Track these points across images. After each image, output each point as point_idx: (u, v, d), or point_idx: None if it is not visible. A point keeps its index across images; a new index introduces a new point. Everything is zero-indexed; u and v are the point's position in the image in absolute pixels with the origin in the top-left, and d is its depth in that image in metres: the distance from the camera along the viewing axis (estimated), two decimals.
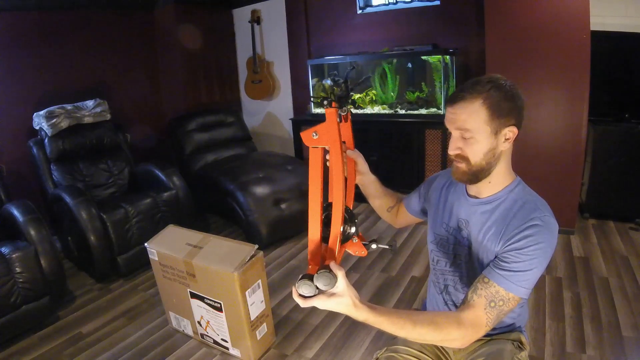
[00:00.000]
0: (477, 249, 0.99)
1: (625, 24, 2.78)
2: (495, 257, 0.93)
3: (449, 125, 0.95)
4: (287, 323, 2.07)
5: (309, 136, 0.81)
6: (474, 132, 0.90)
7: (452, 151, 0.95)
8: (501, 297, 0.87)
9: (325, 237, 0.83)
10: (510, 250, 0.89)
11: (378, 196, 1.25)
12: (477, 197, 1.02)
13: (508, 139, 0.93)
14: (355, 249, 0.92)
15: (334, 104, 0.84)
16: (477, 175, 0.95)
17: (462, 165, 0.95)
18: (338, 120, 0.83)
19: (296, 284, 0.77)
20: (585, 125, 2.59)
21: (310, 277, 0.75)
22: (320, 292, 0.76)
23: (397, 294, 2.25)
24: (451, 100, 0.94)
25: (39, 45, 3.02)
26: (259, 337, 1.82)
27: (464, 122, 0.91)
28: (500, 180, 0.98)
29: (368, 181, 1.21)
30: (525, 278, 0.87)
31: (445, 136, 3.14)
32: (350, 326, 2.01)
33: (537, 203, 0.94)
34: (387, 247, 0.92)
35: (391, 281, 2.38)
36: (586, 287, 2.19)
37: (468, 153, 0.93)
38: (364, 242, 0.91)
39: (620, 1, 2.79)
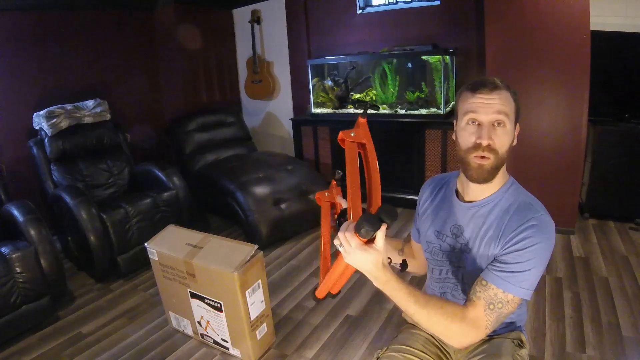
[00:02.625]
0: (474, 255, 0.98)
1: (625, 24, 2.78)
2: (494, 259, 0.92)
3: (482, 111, 0.91)
4: (287, 323, 2.07)
5: (348, 134, 0.93)
6: (509, 119, 0.91)
7: (486, 140, 0.90)
8: (500, 299, 0.86)
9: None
10: (508, 252, 0.89)
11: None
12: (471, 201, 1.00)
13: (516, 136, 0.95)
14: None
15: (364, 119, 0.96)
16: (497, 171, 0.94)
17: (490, 161, 0.92)
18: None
19: (358, 225, 0.75)
20: (585, 125, 2.59)
21: (370, 216, 0.76)
22: (375, 231, 0.75)
23: None
24: (483, 87, 0.92)
25: (39, 45, 3.02)
26: (259, 337, 1.82)
27: (504, 105, 0.91)
28: (497, 181, 0.97)
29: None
30: (524, 278, 0.86)
31: (446, 136, 3.13)
32: (350, 326, 2.01)
33: (531, 203, 0.94)
34: (397, 266, 0.98)
35: None
36: (586, 287, 2.19)
37: (497, 144, 0.91)
38: None
39: (620, 1, 2.79)
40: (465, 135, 0.94)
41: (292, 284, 2.41)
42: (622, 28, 2.78)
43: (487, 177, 0.94)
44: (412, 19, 3.48)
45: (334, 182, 1.08)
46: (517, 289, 0.86)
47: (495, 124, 0.91)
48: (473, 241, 0.98)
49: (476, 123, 0.92)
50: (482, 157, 0.92)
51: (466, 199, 1.02)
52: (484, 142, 0.90)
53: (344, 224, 0.80)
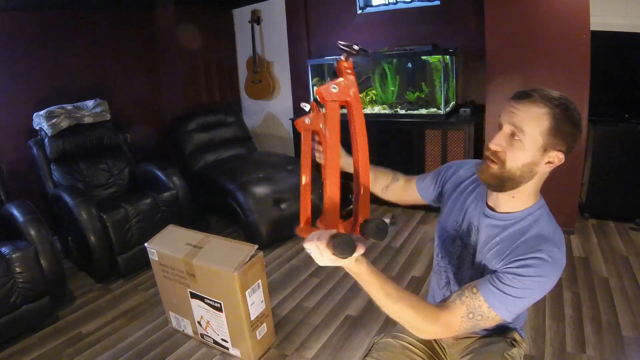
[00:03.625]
0: (480, 259, 0.98)
1: (625, 24, 2.78)
2: (494, 272, 0.89)
3: (504, 118, 0.88)
4: (287, 323, 2.07)
5: (327, 91, 0.76)
6: (527, 137, 0.84)
7: (493, 145, 0.88)
8: (482, 312, 0.85)
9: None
10: (509, 273, 0.85)
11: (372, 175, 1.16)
12: (493, 209, 0.97)
13: (550, 163, 0.87)
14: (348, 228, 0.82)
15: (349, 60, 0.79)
16: (505, 183, 0.89)
17: (494, 167, 0.88)
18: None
19: (332, 245, 0.70)
20: (585, 125, 2.59)
21: (348, 238, 0.69)
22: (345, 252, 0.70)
23: None
24: (519, 96, 0.87)
25: (39, 45, 3.02)
26: (259, 337, 1.82)
27: (523, 121, 0.84)
28: (523, 200, 0.93)
29: (348, 164, 1.07)
30: (514, 304, 0.84)
31: (446, 136, 3.13)
32: (350, 326, 2.01)
33: (550, 235, 0.89)
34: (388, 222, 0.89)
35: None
36: (586, 287, 2.19)
37: (507, 156, 0.86)
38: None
39: (620, 1, 2.79)
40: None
41: (292, 284, 2.41)
42: (622, 28, 2.78)
43: (491, 184, 0.91)
44: (412, 19, 3.48)
45: (314, 105, 0.92)
46: (504, 311, 0.84)
47: (514, 135, 0.86)
48: (482, 246, 0.97)
49: (499, 126, 0.90)
50: (490, 159, 0.89)
51: (489, 203, 0.99)
52: (491, 146, 0.89)
53: (315, 233, 0.73)
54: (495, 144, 0.88)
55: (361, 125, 0.79)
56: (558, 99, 0.85)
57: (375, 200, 0.96)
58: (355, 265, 0.78)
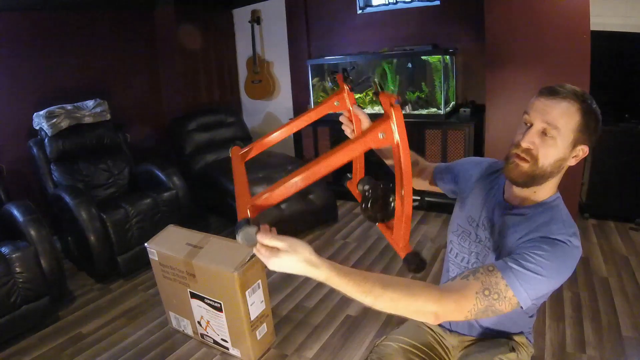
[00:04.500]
0: (497, 254, 0.96)
1: (625, 24, 2.78)
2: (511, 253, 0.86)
3: (535, 115, 0.87)
4: (287, 323, 2.07)
5: (375, 138, 0.76)
6: (560, 133, 0.85)
7: (525, 143, 0.87)
8: (499, 290, 0.78)
9: (381, 217, 0.84)
10: (527, 249, 0.83)
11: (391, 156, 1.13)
12: (512, 204, 0.97)
13: (576, 157, 0.89)
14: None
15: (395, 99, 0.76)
16: (535, 179, 0.89)
17: (525, 165, 0.88)
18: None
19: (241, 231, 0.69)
20: None
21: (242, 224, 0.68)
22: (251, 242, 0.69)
23: None
24: (549, 92, 0.87)
25: (39, 45, 3.02)
26: (259, 337, 1.82)
27: (556, 118, 0.84)
28: (544, 193, 0.94)
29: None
30: (531, 282, 0.79)
31: (446, 136, 3.13)
32: (351, 326, 2.01)
33: (570, 223, 0.90)
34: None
35: None
36: (586, 287, 2.19)
37: (540, 153, 0.86)
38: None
39: (620, 1, 2.79)
40: (517, 132, 0.92)
41: (292, 284, 2.41)
42: (622, 28, 2.78)
43: (517, 179, 0.90)
44: (412, 19, 3.48)
45: (340, 79, 1.02)
46: (520, 289, 0.78)
47: (546, 133, 0.86)
48: (498, 242, 0.96)
49: (528, 124, 0.89)
50: (520, 157, 0.89)
51: (507, 198, 0.99)
52: (523, 144, 0.88)
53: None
54: (528, 141, 0.87)
55: (407, 171, 0.76)
56: (583, 95, 0.86)
57: None
58: (316, 270, 0.70)
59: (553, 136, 0.85)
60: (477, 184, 1.08)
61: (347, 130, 1.06)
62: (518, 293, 0.78)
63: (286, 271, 0.71)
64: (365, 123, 1.04)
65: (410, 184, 0.77)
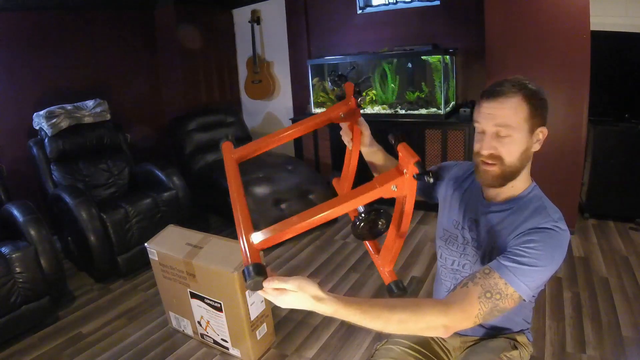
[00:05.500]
0: (488, 249, 0.97)
1: (625, 24, 2.78)
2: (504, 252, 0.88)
3: (484, 122, 0.90)
4: (287, 323, 2.07)
5: (388, 190, 0.79)
6: (514, 129, 0.87)
7: (486, 150, 0.90)
8: (499, 289, 0.80)
9: (366, 237, 0.87)
10: (518, 245, 0.84)
11: (382, 166, 1.16)
12: (492, 200, 0.98)
13: (539, 140, 0.91)
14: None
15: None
16: (509, 177, 0.91)
17: (494, 168, 0.90)
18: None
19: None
20: (585, 125, 2.59)
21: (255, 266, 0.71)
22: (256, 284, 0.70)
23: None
24: (489, 95, 0.89)
25: (39, 45, 3.02)
26: (259, 337, 1.82)
27: (505, 117, 0.86)
28: (520, 185, 0.95)
29: (372, 151, 1.13)
30: (528, 275, 0.80)
31: (446, 136, 3.14)
32: (351, 326, 2.01)
33: (552, 209, 0.91)
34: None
35: None
36: (586, 287, 2.19)
37: (503, 153, 0.88)
38: None
39: (620, 1, 2.79)
40: (475, 140, 0.95)
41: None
42: (622, 28, 2.78)
43: (492, 183, 0.93)
44: (412, 19, 3.48)
45: (350, 89, 1.01)
46: (520, 284, 0.80)
47: (500, 134, 0.88)
48: (485, 239, 0.97)
49: (481, 132, 0.91)
50: (487, 163, 0.91)
51: (486, 196, 1.00)
52: (484, 152, 0.90)
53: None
54: (488, 148, 0.90)
55: (408, 219, 0.84)
56: (521, 82, 0.89)
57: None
58: (323, 305, 0.73)
59: (509, 134, 0.88)
60: (456, 188, 1.09)
61: (346, 138, 1.06)
62: (518, 288, 0.80)
63: (295, 307, 0.75)
64: (367, 137, 1.07)
65: (406, 229, 0.84)
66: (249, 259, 0.72)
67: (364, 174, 1.14)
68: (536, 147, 0.91)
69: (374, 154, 1.14)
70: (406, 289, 0.85)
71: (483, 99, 0.91)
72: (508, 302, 0.80)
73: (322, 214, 0.78)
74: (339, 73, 1.02)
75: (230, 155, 1.01)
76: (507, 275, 0.81)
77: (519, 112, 0.87)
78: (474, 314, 0.78)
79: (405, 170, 0.78)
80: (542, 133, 0.90)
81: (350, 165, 1.04)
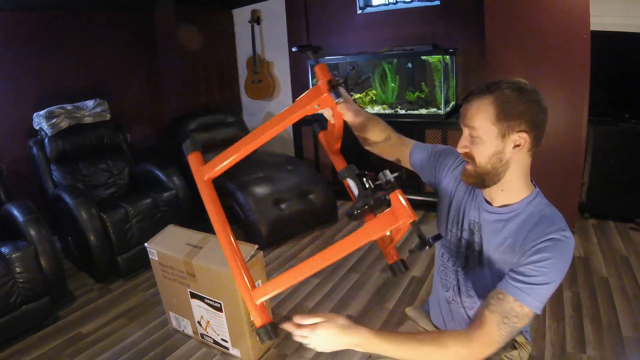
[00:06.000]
0: (489, 257, 0.96)
1: (625, 24, 2.78)
2: (511, 270, 0.89)
3: (460, 121, 0.94)
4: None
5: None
6: (480, 131, 0.88)
7: (459, 149, 0.94)
8: (516, 313, 0.83)
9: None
10: (527, 264, 0.86)
11: (376, 142, 1.14)
12: (491, 203, 0.98)
13: (518, 146, 0.87)
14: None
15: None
16: (483, 179, 0.92)
17: (470, 167, 0.93)
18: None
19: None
20: (585, 125, 2.59)
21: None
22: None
23: (397, 294, 2.25)
24: (465, 97, 0.93)
25: (39, 45, 3.02)
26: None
27: (471, 119, 0.89)
28: (515, 191, 0.94)
29: (360, 125, 1.09)
30: (541, 292, 0.84)
31: (446, 136, 3.14)
32: None
33: (554, 218, 0.90)
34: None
35: (391, 281, 2.38)
36: (586, 287, 2.19)
37: (474, 153, 0.91)
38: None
39: (620, 1, 2.79)
40: None
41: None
42: (622, 28, 2.78)
43: (472, 183, 0.95)
44: (412, 19, 3.48)
45: (324, 72, 1.00)
46: (533, 301, 0.83)
47: (471, 134, 0.91)
48: (489, 244, 0.96)
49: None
50: (466, 162, 0.94)
51: (486, 198, 0.99)
52: (459, 150, 0.94)
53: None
54: (461, 147, 0.93)
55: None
56: (505, 83, 0.87)
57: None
58: (357, 334, 0.80)
59: (477, 135, 0.89)
60: (459, 186, 1.06)
61: (327, 113, 1.09)
62: (532, 305, 0.84)
63: (331, 347, 0.81)
64: (349, 116, 1.05)
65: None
66: (261, 320, 0.84)
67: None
68: (515, 153, 0.88)
69: (364, 128, 1.10)
70: (408, 267, 0.90)
71: (463, 100, 0.94)
72: (524, 320, 0.84)
73: (320, 265, 0.83)
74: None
75: (201, 176, 0.99)
76: (521, 296, 0.83)
77: (486, 115, 0.87)
78: (495, 340, 0.83)
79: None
80: (521, 139, 0.86)
81: (336, 124, 1.07)
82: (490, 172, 0.90)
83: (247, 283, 0.91)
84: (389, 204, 0.81)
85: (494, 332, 0.83)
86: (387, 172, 0.82)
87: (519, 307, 0.83)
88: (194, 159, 0.98)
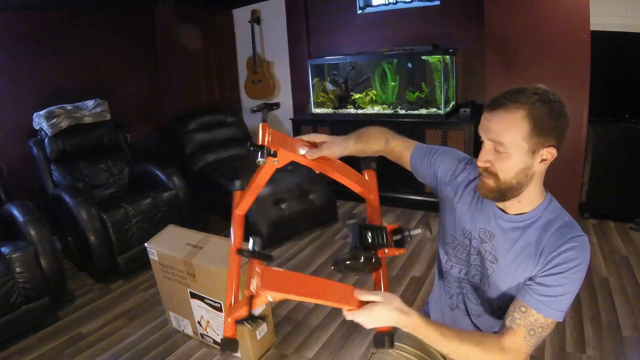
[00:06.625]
0: (503, 265, 0.93)
1: (625, 24, 2.78)
2: (531, 279, 0.87)
3: (482, 133, 0.85)
4: (287, 323, 2.07)
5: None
6: (509, 147, 0.81)
7: (481, 163, 0.86)
8: (540, 324, 0.84)
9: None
10: (549, 275, 0.84)
11: (364, 151, 1.07)
12: (505, 212, 0.93)
13: (545, 160, 0.83)
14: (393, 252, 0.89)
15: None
16: (505, 194, 0.87)
17: (490, 182, 0.87)
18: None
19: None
20: (585, 125, 2.59)
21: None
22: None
23: (397, 294, 2.24)
24: (490, 106, 0.84)
25: (39, 45, 3.02)
26: (259, 337, 1.82)
27: (499, 134, 0.81)
28: (531, 200, 0.90)
29: (349, 152, 1.03)
30: (565, 302, 0.84)
31: (446, 136, 3.14)
32: (350, 326, 2.01)
33: (571, 223, 0.89)
34: (420, 232, 0.87)
35: (391, 281, 2.38)
36: (586, 287, 2.19)
37: (498, 169, 0.84)
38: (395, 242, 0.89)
39: (620, 1, 2.79)
40: None
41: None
42: (622, 28, 2.78)
43: (492, 198, 0.90)
44: (412, 19, 3.48)
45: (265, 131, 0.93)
46: (557, 312, 0.84)
47: (497, 149, 0.83)
48: (504, 254, 0.92)
49: (482, 141, 0.87)
50: (484, 175, 0.88)
51: (499, 206, 0.94)
52: (479, 164, 0.87)
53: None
54: (483, 161, 0.86)
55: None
56: (534, 95, 0.81)
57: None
58: (408, 318, 0.80)
59: (504, 150, 0.82)
60: (466, 192, 1.00)
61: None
62: (555, 316, 0.85)
63: (381, 324, 0.80)
64: (337, 152, 1.03)
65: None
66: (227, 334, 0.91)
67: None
68: (540, 167, 0.84)
69: (360, 151, 1.06)
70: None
71: (485, 109, 0.86)
72: (549, 330, 0.86)
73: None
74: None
75: (236, 211, 1.06)
76: (544, 309, 0.84)
77: (517, 130, 0.80)
78: (523, 351, 0.85)
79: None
80: (549, 154, 0.83)
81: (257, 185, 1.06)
82: (514, 187, 0.86)
83: (232, 298, 0.96)
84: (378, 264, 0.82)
85: (522, 344, 0.85)
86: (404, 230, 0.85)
87: (543, 319, 0.84)
88: (237, 196, 1.08)
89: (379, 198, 1.05)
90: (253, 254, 0.82)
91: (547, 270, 0.85)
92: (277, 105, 0.90)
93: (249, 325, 0.86)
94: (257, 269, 0.77)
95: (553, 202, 0.92)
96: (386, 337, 0.79)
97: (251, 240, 0.85)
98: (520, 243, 0.90)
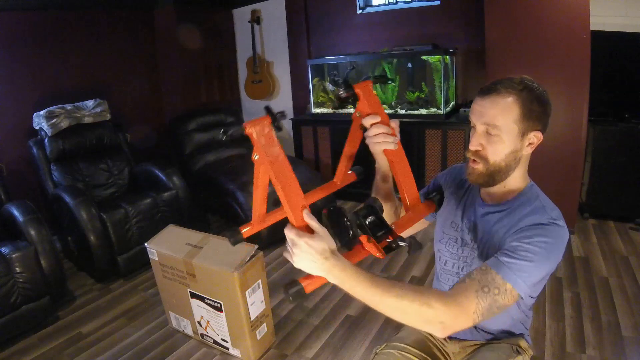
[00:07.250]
0: (484, 253, 0.97)
1: (625, 24, 2.78)
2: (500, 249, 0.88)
3: (475, 118, 0.90)
4: (287, 323, 2.07)
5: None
6: (502, 129, 0.87)
7: (473, 146, 0.91)
8: (497, 285, 0.79)
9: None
10: (514, 241, 0.84)
11: (387, 195, 1.05)
12: (489, 203, 0.99)
13: (531, 144, 0.90)
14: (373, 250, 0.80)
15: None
16: (494, 177, 0.91)
17: (479, 166, 0.91)
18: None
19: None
20: (585, 125, 2.59)
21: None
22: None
23: None
24: (483, 92, 0.90)
25: (39, 45, 3.02)
26: (259, 337, 1.82)
27: (494, 117, 0.87)
28: (515, 186, 0.95)
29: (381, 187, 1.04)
30: (525, 270, 0.80)
31: (446, 136, 3.14)
32: (351, 326, 2.01)
33: (551, 206, 0.91)
34: (406, 244, 0.77)
35: None
36: (586, 287, 2.19)
37: (489, 152, 0.89)
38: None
39: (620, 1, 2.79)
40: (470, 135, 0.95)
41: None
42: (622, 28, 2.78)
43: (482, 182, 0.94)
44: (412, 19, 3.48)
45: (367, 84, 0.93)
46: (517, 279, 0.79)
47: (489, 132, 0.88)
48: (484, 238, 0.97)
49: (473, 127, 0.92)
50: (473, 160, 0.92)
51: (483, 197, 1.01)
52: (472, 147, 0.91)
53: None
54: (474, 144, 0.91)
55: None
56: (521, 83, 0.89)
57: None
58: (334, 261, 0.70)
59: (496, 134, 0.88)
60: (453, 190, 1.09)
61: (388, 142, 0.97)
62: (515, 284, 0.80)
63: (308, 253, 0.69)
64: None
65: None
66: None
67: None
68: (527, 150, 0.91)
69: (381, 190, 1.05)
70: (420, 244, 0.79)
71: (478, 95, 0.92)
72: (506, 298, 0.80)
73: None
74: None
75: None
76: (504, 271, 0.80)
77: (510, 113, 0.86)
78: (471, 309, 0.77)
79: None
80: (536, 137, 0.89)
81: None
82: (502, 169, 0.91)
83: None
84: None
85: (471, 300, 0.77)
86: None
87: (500, 280, 0.80)
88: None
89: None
90: (270, 113, 0.75)
91: (514, 237, 0.86)
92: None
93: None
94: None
95: (534, 187, 0.97)
96: (292, 288, 0.71)
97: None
98: (495, 227, 0.94)
